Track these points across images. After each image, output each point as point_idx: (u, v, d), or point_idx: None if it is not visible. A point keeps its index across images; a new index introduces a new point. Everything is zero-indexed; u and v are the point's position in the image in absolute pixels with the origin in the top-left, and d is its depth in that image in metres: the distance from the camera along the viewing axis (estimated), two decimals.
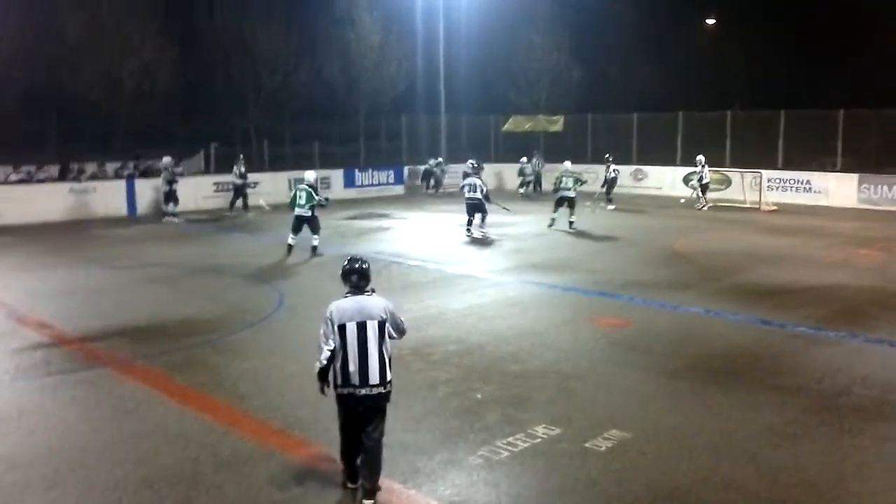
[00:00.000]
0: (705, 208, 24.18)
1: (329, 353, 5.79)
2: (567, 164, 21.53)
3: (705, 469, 6.33)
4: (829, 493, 5.95)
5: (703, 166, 24.48)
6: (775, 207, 24.08)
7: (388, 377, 5.89)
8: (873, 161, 27.53)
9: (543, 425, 7.18)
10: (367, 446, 5.85)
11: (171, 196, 22.53)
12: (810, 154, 28.23)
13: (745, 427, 7.18)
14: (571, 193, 19.62)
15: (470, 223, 18.57)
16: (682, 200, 25.98)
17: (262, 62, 35.41)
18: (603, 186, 24.68)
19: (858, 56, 43.00)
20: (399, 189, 30.17)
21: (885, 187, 24.39)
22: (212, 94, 37.72)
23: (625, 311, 11.60)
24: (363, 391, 5.78)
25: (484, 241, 18.11)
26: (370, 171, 30.12)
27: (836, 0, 45.22)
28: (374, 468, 5.84)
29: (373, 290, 6.01)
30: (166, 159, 23.02)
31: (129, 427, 7.27)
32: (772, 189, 25.65)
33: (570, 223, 19.68)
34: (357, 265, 6.02)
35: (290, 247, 16.25)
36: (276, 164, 31.42)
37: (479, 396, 7.99)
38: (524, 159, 29.42)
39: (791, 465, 6.42)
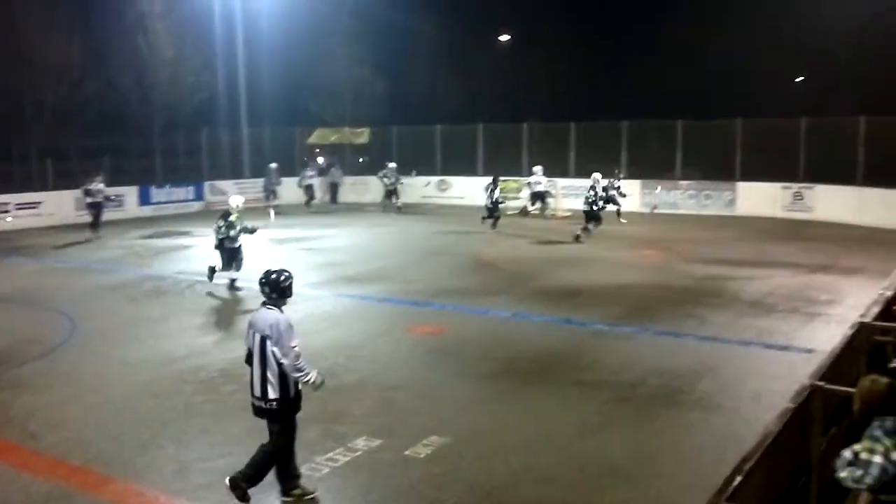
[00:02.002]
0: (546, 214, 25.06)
1: (246, 353, 6.08)
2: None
3: (522, 465, 6.58)
4: (633, 476, 6.39)
5: (539, 175, 25.13)
6: (569, 214, 25.54)
7: (270, 395, 5.81)
8: (653, 168, 29.99)
9: (364, 437, 7.16)
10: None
11: None
12: (599, 163, 30.25)
13: (555, 422, 7.55)
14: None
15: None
16: (510, 212, 26.69)
17: (42, 74, 32.64)
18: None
19: (639, 71, 46.70)
20: (200, 205, 28.99)
21: (664, 191, 26.68)
22: None
23: (438, 318, 11.83)
24: (254, 401, 5.94)
25: (294, 256, 17.79)
26: (168, 187, 28.71)
27: (619, 19, 49.01)
28: (247, 471, 5.81)
29: (275, 305, 6.00)
30: None
31: None
32: (566, 196, 27.22)
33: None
34: (269, 276, 6.06)
35: (218, 278, 14.10)
36: (62, 182, 29.09)
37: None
38: (385, 170, 28.61)
39: (598, 453, 6.82)
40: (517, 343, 10.39)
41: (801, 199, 24.68)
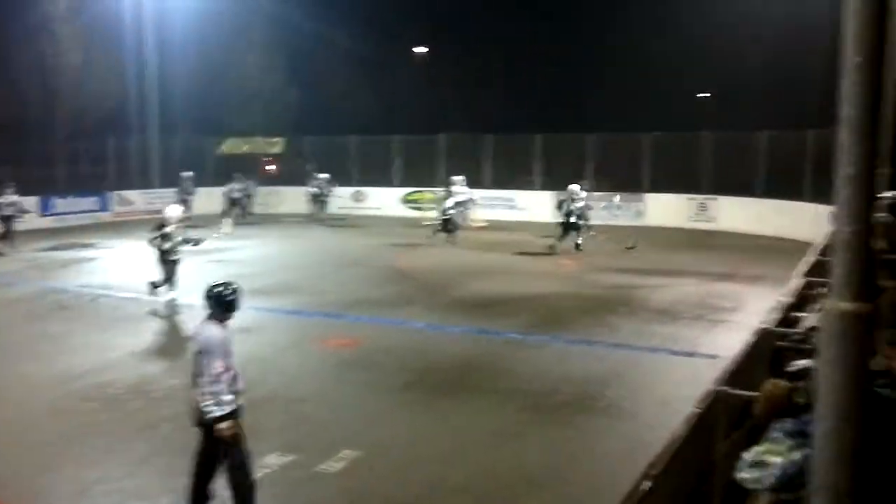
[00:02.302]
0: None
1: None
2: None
3: (437, 477, 6.56)
4: (547, 483, 6.45)
5: (461, 186, 24.91)
6: (485, 224, 25.78)
7: (206, 410, 5.54)
8: (566, 180, 30.58)
9: (276, 454, 6.99)
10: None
11: None
12: (513, 174, 30.68)
13: (470, 432, 7.56)
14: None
15: None
16: (427, 223, 26.63)
17: None
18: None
19: (552, 85, 47.72)
20: (107, 216, 27.97)
21: (621, 202, 27.17)
22: None
23: (352, 330, 11.72)
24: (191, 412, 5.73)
25: (201, 269, 17.33)
26: (72, 197, 27.58)
27: (532, 35, 49.90)
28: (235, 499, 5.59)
29: (220, 319, 5.79)
30: None
31: None
32: (482, 206, 27.46)
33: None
34: (214, 289, 5.83)
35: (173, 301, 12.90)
36: None
37: None
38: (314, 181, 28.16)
39: (513, 462, 6.86)
40: (432, 354, 10.38)
41: (706, 210, 25.59)
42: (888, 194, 14.47)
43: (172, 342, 10.95)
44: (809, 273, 9.79)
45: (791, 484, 3.89)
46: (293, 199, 31.14)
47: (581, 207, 19.67)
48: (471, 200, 25.28)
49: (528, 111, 43.61)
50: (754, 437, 4.54)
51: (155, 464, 6.84)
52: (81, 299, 13.98)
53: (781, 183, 23.68)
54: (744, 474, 4.03)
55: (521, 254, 19.41)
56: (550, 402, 8.43)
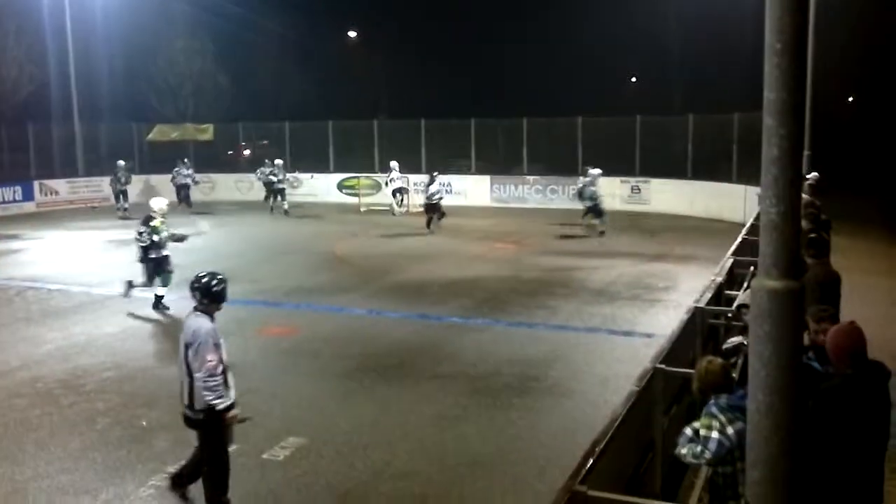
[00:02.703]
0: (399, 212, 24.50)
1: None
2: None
3: (381, 462, 6.58)
4: (491, 464, 6.54)
5: (396, 171, 24.71)
6: (422, 209, 25.75)
7: (196, 405, 5.42)
8: (501, 164, 30.83)
9: None
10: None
11: None
12: (449, 159, 30.73)
13: (413, 417, 7.60)
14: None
15: None
16: (363, 209, 26.45)
17: None
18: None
19: (486, 69, 47.83)
20: (30, 206, 27.00)
21: (512, 186, 27.54)
22: None
23: (291, 318, 11.62)
24: (181, 409, 5.60)
25: (134, 260, 16.91)
26: None
27: (465, 18, 49.92)
28: (206, 494, 5.56)
29: (206, 311, 5.64)
30: None
31: None
32: (418, 192, 27.42)
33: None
34: (200, 280, 5.68)
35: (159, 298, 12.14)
36: None
37: (144, 423, 7.46)
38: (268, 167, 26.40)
39: (457, 445, 6.93)
40: (373, 340, 10.37)
41: (639, 193, 26.10)
42: (810, 176, 15.05)
43: (103, 335, 10.67)
44: (739, 252, 10.12)
45: (729, 457, 4.04)
46: (225, 187, 30.66)
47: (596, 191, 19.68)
48: (404, 188, 25.26)
49: (463, 96, 43.66)
50: (692, 414, 4.70)
51: (91, 458, 6.69)
52: (7, 293, 13.50)
53: (710, 165, 24.33)
54: (683, 450, 4.17)
55: (457, 237, 19.49)
56: (493, 384, 8.53)
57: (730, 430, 4.01)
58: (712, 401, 4.20)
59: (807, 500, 3.68)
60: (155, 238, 11.97)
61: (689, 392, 4.71)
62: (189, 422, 5.61)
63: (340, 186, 29.39)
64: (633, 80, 51.73)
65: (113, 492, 6.07)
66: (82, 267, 16.01)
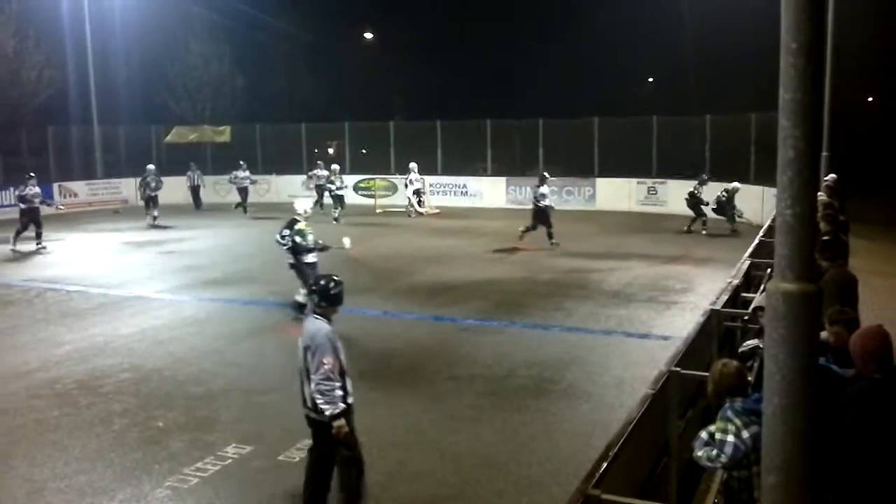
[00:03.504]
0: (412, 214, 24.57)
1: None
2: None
3: (395, 463, 6.59)
4: (505, 467, 6.52)
5: (415, 173, 24.91)
6: (438, 211, 25.80)
7: (319, 407, 5.40)
8: (517, 165, 30.80)
9: (233, 445, 6.96)
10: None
11: None
12: (465, 160, 30.76)
13: (428, 418, 7.60)
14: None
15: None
16: (379, 211, 26.52)
17: None
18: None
19: (501, 71, 47.88)
20: (50, 208, 27.18)
21: (528, 188, 27.42)
22: None
23: None
24: (304, 410, 5.61)
25: (153, 261, 17.06)
26: (12, 189, 26.75)
27: (483, 19, 49.98)
28: (342, 496, 5.53)
29: (324, 314, 5.63)
30: None
31: None
32: (434, 193, 27.48)
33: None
34: (318, 283, 5.71)
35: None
36: None
37: (160, 424, 7.51)
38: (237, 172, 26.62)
39: (471, 446, 6.92)
40: (388, 341, 10.39)
41: (655, 194, 25.98)
42: (828, 177, 14.92)
43: (121, 337, 10.75)
44: (756, 254, 10.05)
45: (744, 461, 4.01)
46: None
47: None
48: (422, 190, 25.32)
49: (479, 97, 43.67)
50: (708, 417, 4.67)
51: (108, 459, 6.74)
52: (27, 294, 13.64)
53: (727, 166, 24.17)
54: (699, 452, 4.14)
55: (473, 239, 19.47)
56: (508, 386, 8.52)
57: (745, 434, 3.98)
58: (727, 404, 4.18)
59: None
60: (299, 240, 11.26)
61: (705, 395, 4.68)
62: (312, 423, 5.62)
63: (356, 188, 29.45)
64: (650, 80, 51.51)
65: (130, 492, 6.11)
66: (101, 269, 16.15)
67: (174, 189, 28.12)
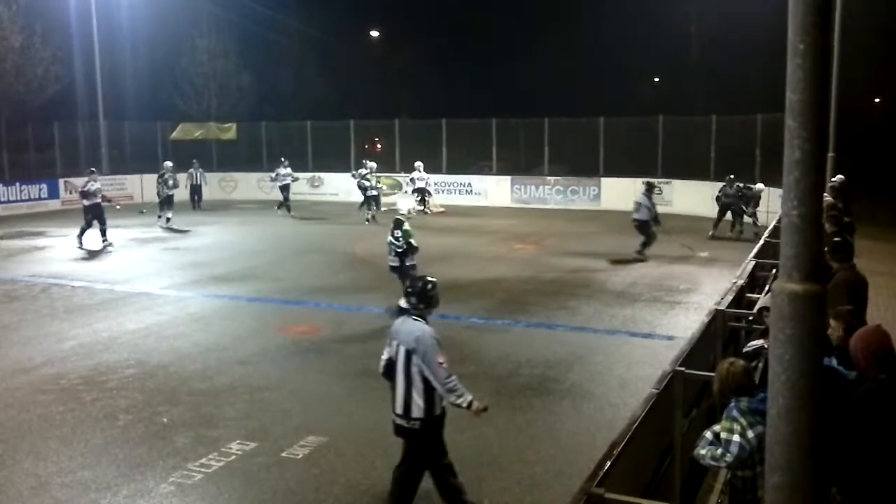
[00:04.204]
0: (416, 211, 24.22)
1: (382, 362, 5.63)
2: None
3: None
4: (509, 466, 6.53)
5: (420, 172, 24.80)
6: (443, 209, 25.81)
7: (414, 413, 5.30)
8: (522, 164, 30.80)
9: (237, 441, 6.97)
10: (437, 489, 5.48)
11: None
12: (470, 159, 30.76)
13: None
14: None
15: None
16: (384, 209, 26.42)
17: None
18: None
19: (507, 70, 47.76)
20: (55, 204, 27.34)
21: (533, 187, 27.48)
22: None
23: (312, 317, 11.68)
24: (395, 419, 5.49)
25: (158, 257, 17.11)
26: (18, 184, 26.89)
27: (488, 17, 49.90)
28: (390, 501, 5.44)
29: (421, 315, 5.49)
30: None
31: None
32: (438, 192, 27.48)
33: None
34: (416, 285, 5.59)
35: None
36: None
37: (165, 420, 7.53)
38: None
39: (475, 445, 6.92)
40: None
41: (660, 194, 25.90)
42: (835, 178, 14.89)
43: (126, 332, 10.78)
44: (761, 255, 10.03)
45: (749, 461, 4.01)
46: (247, 185, 30.88)
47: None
48: (427, 189, 25.30)
49: (484, 95, 43.62)
50: (712, 416, 4.67)
51: (113, 454, 6.77)
52: (32, 290, 13.68)
53: (733, 166, 24.12)
54: (702, 451, 4.14)
55: (477, 238, 19.47)
56: (512, 385, 8.52)
57: (750, 434, 3.98)
58: (733, 403, 4.17)
59: None
60: (413, 242, 11.16)
61: (709, 395, 4.68)
62: (402, 431, 5.47)
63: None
64: (656, 80, 51.41)
65: (134, 487, 6.13)
66: (106, 265, 16.19)
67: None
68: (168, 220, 21.83)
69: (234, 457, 6.67)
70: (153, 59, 38.54)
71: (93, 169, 19.67)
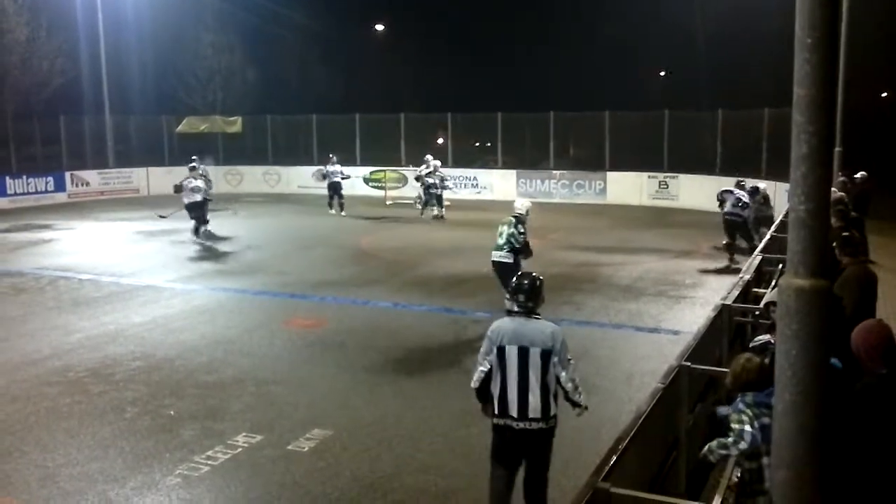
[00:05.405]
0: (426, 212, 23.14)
1: (482, 375, 5.30)
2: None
3: (405, 455, 6.61)
4: None
5: (426, 167, 23.50)
6: (448, 203, 25.74)
7: (552, 412, 5.17)
8: (528, 159, 30.75)
9: (244, 434, 7.00)
10: (528, 489, 5.25)
11: None
12: (475, 153, 30.73)
13: (438, 411, 7.63)
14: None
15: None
16: (388, 202, 26.47)
17: None
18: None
19: (512, 64, 47.77)
20: (62, 197, 27.42)
21: (539, 181, 27.44)
22: None
23: (317, 310, 11.70)
24: (521, 424, 5.11)
25: (163, 250, 17.14)
26: (24, 177, 26.97)
27: (494, 11, 49.84)
28: None
29: (533, 313, 5.29)
30: None
31: None
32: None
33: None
34: (523, 283, 5.34)
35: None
36: None
37: (172, 413, 7.56)
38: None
39: (481, 440, 6.89)
40: (398, 333, 10.41)
41: (666, 188, 25.90)
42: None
43: (132, 325, 10.81)
44: (767, 250, 10.02)
45: (755, 452, 4.01)
46: (253, 178, 30.92)
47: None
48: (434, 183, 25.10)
49: (489, 90, 43.60)
50: (714, 424, 4.66)
51: (120, 447, 6.80)
52: (39, 282, 13.73)
53: (739, 161, 24.08)
54: (713, 444, 4.14)
55: (483, 232, 19.44)
56: None
57: (756, 424, 3.99)
58: (739, 398, 4.18)
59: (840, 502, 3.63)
60: (528, 240, 11.12)
61: (715, 390, 4.68)
62: (531, 435, 5.17)
63: (367, 180, 29.46)
64: (662, 74, 51.26)
65: (141, 480, 6.16)
66: (112, 257, 16.23)
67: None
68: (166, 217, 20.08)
69: (240, 449, 6.69)
70: (158, 52, 38.56)
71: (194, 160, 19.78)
